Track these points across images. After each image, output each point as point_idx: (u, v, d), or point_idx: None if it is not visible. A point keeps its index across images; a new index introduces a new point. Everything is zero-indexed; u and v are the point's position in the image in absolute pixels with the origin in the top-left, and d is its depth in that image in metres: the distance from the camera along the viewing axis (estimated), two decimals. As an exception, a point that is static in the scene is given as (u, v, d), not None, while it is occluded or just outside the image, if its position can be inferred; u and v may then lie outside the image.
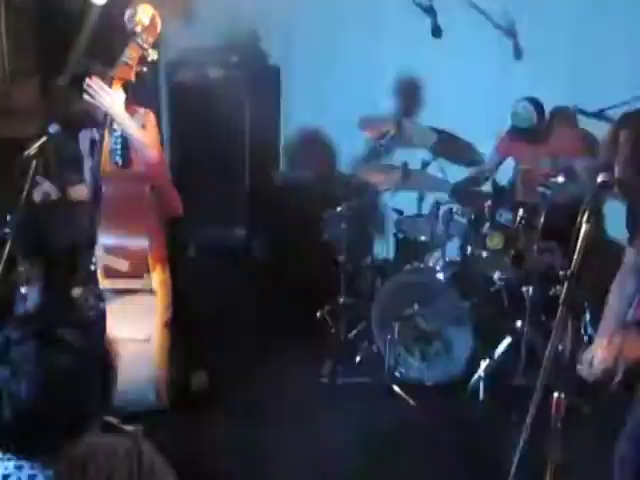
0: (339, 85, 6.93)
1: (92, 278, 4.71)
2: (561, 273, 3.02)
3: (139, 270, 4.70)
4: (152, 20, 4.60)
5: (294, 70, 7.19)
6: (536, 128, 5.78)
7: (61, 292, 4.98)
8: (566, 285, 3.01)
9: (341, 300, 5.97)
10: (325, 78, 6.98)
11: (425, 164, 6.07)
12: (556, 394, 3.01)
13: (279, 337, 5.81)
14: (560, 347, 3.24)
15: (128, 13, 4.59)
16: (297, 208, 6.64)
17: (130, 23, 4.58)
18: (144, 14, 4.57)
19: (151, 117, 4.85)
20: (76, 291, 4.77)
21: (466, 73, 6.41)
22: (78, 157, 5.23)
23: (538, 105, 5.75)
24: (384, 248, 6.67)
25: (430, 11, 6.20)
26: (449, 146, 6.10)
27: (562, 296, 3.01)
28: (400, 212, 6.23)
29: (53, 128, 4.73)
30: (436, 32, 6.24)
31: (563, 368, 3.06)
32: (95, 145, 4.88)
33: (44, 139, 4.70)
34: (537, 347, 5.16)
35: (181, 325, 5.00)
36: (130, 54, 4.60)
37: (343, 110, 6.72)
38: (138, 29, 4.57)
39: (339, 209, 5.89)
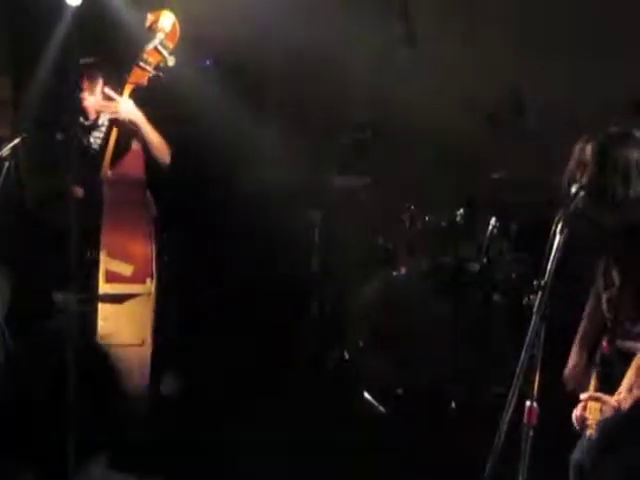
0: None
1: (78, 283, 4.65)
2: (535, 283, 3.04)
3: (143, 275, 4.68)
4: (173, 26, 4.59)
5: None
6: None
7: (38, 296, 4.93)
8: (539, 295, 3.02)
9: (313, 308, 5.97)
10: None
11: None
12: (528, 402, 3.03)
13: (250, 342, 5.80)
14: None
15: (149, 18, 4.57)
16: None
17: (150, 28, 4.56)
18: (166, 20, 4.56)
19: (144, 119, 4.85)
20: (57, 296, 4.71)
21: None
22: (52, 159, 5.18)
23: None
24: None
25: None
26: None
27: (535, 306, 3.03)
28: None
29: (27, 129, 4.68)
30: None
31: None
32: (85, 147, 4.85)
33: (17, 140, 4.65)
34: (510, 356, 5.18)
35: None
36: (147, 59, 4.57)
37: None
38: (159, 35, 4.55)
39: (315, 214, 5.89)
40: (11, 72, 6.53)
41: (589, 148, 3.31)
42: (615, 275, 3.39)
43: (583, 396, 3.35)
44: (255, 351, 5.78)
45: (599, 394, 3.29)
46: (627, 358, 3.34)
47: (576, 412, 3.32)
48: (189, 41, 4.88)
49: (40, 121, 5.23)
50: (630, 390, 3.24)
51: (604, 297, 3.45)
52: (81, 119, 4.92)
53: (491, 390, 5.19)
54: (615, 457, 3.34)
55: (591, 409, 3.24)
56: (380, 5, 6.62)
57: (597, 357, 3.50)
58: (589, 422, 3.24)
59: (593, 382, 3.45)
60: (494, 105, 6.08)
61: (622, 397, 3.23)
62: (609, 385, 3.35)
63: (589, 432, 3.23)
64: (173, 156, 5.00)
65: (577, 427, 3.34)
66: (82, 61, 4.73)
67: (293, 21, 6.51)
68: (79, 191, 4.96)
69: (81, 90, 4.86)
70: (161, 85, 4.79)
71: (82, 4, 4.97)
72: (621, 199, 3.25)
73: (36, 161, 5.34)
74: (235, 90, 6.38)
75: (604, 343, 3.46)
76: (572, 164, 3.39)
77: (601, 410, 3.21)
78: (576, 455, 3.45)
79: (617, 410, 3.20)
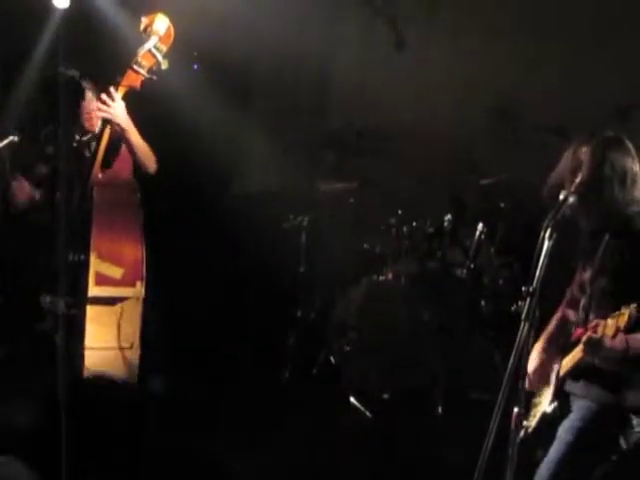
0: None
1: (66, 285, 4.63)
2: (523, 289, 3.04)
3: (133, 278, 4.65)
4: (167, 29, 4.57)
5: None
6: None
7: (22, 299, 4.90)
8: (528, 301, 3.03)
9: (299, 312, 5.98)
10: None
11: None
12: (516, 409, 3.03)
13: (236, 346, 5.80)
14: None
15: (144, 21, 4.55)
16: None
17: (145, 31, 4.54)
18: (160, 23, 4.54)
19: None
20: (45, 299, 4.68)
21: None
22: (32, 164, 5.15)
23: None
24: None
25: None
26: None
27: (524, 312, 3.03)
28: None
29: (13, 133, 4.66)
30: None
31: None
32: (75, 153, 4.83)
33: (5, 142, 4.63)
34: (497, 362, 5.20)
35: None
36: (142, 62, 4.54)
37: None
38: (154, 38, 4.53)
39: (301, 219, 5.89)
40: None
41: (584, 150, 3.31)
42: (594, 277, 3.40)
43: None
44: (240, 355, 5.78)
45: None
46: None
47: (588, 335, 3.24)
48: (176, 45, 4.86)
49: (26, 125, 5.20)
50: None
51: (583, 300, 3.45)
52: (79, 136, 4.89)
53: (478, 395, 5.20)
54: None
55: (608, 325, 3.14)
56: (368, 9, 6.64)
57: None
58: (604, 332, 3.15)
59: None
60: (483, 111, 6.09)
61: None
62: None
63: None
64: (159, 162, 4.97)
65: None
66: (70, 73, 4.70)
67: (280, 25, 6.51)
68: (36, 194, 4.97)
69: (78, 107, 4.84)
70: (148, 89, 4.76)
71: (70, 7, 4.98)
72: (614, 200, 3.26)
73: (21, 164, 5.32)
74: (222, 95, 6.38)
75: (579, 330, 3.45)
76: (560, 169, 3.40)
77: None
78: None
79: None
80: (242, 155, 7.31)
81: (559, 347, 3.50)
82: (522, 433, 3.25)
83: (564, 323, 3.58)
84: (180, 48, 4.77)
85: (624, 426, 3.25)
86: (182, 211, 6.65)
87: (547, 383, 3.47)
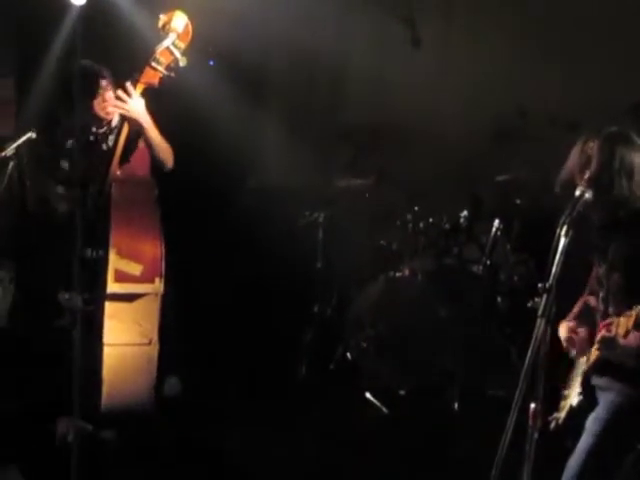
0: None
1: (83, 282, 4.64)
2: (540, 286, 3.04)
3: (152, 274, 4.66)
4: (186, 27, 4.58)
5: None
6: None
7: (40, 296, 4.93)
8: (544, 298, 3.03)
9: (316, 308, 5.99)
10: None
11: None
12: (533, 405, 3.03)
13: (253, 342, 5.82)
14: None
15: (162, 19, 4.56)
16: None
17: (163, 29, 4.55)
18: (179, 20, 4.55)
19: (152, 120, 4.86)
20: (64, 296, 4.71)
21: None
22: (54, 160, 5.18)
23: None
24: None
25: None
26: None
27: (540, 309, 3.03)
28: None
29: (32, 129, 4.69)
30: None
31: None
32: (93, 147, 4.85)
33: (22, 140, 4.65)
34: (513, 358, 5.20)
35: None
36: (160, 59, 4.55)
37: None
38: (172, 35, 4.54)
39: (318, 215, 5.90)
40: (15, 72, 6.54)
41: (592, 144, 3.32)
42: (602, 273, 3.41)
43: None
44: (257, 351, 5.79)
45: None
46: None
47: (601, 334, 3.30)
48: (192, 41, 4.87)
49: (45, 122, 5.23)
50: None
51: (600, 294, 3.46)
52: (95, 128, 4.92)
53: (494, 392, 5.20)
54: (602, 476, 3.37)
55: (620, 323, 3.19)
56: (384, 6, 6.63)
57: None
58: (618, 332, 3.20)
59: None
60: (498, 109, 6.08)
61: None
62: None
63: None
64: (175, 158, 4.99)
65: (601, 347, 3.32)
66: (85, 64, 4.71)
67: (296, 22, 6.52)
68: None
69: (94, 97, 4.86)
70: (165, 85, 4.78)
71: (88, 3, 4.99)
72: (624, 195, 3.27)
73: (40, 161, 5.35)
74: (237, 91, 6.39)
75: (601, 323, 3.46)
76: (570, 165, 3.40)
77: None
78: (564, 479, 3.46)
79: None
80: (258, 151, 7.33)
81: (586, 330, 3.52)
82: (553, 425, 3.36)
83: (588, 308, 3.59)
84: (196, 44, 4.79)
85: None
86: (199, 207, 6.67)
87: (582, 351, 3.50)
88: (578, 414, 3.42)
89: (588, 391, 3.42)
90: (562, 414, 3.46)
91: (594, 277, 3.54)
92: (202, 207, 6.71)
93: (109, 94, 4.84)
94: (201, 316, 5.80)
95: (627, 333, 3.15)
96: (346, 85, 6.99)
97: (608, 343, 3.26)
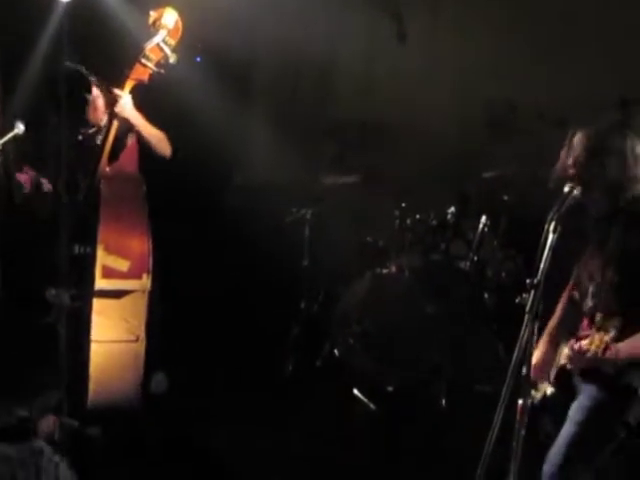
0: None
1: (71, 278, 4.63)
2: (528, 282, 3.05)
3: (139, 270, 4.65)
4: (176, 23, 4.56)
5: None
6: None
7: (25, 292, 4.91)
8: (532, 294, 3.03)
9: (303, 305, 5.99)
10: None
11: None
12: (520, 401, 3.04)
13: (239, 339, 5.82)
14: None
15: (152, 15, 4.54)
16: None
17: (153, 25, 4.53)
18: (169, 17, 4.53)
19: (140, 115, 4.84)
20: (50, 292, 4.69)
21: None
22: (42, 155, 5.17)
23: None
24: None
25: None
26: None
27: (528, 305, 3.04)
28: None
29: (18, 125, 4.67)
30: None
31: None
32: (81, 145, 4.83)
33: (10, 135, 4.63)
34: (500, 354, 5.21)
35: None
36: (150, 55, 4.53)
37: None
38: (162, 32, 4.52)
39: (305, 212, 5.89)
40: (0, 70, 6.50)
41: (583, 137, 3.34)
42: (596, 267, 3.41)
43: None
44: (244, 347, 5.79)
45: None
46: None
47: (574, 347, 3.30)
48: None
49: (31, 120, 5.20)
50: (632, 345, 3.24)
51: (590, 289, 3.46)
52: (84, 129, 4.91)
53: (481, 388, 5.21)
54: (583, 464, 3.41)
55: (595, 340, 3.19)
56: (372, 1, 6.64)
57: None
58: (593, 350, 3.19)
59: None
60: (485, 104, 6.09)
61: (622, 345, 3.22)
62: None
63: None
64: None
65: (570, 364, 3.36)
66: (75, 67, 4.70)
67: (284, 18, 6.52)
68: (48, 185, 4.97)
69: (85, 103, 4.85)
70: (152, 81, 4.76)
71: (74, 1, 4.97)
72: (618, 182, 3.28)
73: (26, 156, 5.33)
74: (225, 87, 6.38)
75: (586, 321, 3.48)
76: (563, 160, 3.39)
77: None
78: (547, 467, 3.48)
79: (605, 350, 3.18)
80: (245, 148, 7.33)
81: (568, 331, 3.54)
82: (528, 403, 3.27)
83: (572, 306, 3.61)
84: (184, 41, 4.78)
85: (631, 403, 3.29)
86: (186, 204, 6.66)
87: (548, 377, 3.52)
88: (553, 404, 3.46)
89: (563, 385, 3.47)
90: (538, 396, 3.51)
91: (586, 270, 3.53)
92: (189, 204, 6.70)
93: (100, 101, 4.85)
94: (188, 313, 5.78)
95: (606, 348, 3.16)
96: (333, 81, 6.99)
97: (576, 358, 3.30)
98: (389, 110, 6.78)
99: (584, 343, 3.25)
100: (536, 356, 3.53)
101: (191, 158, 6.70)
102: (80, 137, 4.92)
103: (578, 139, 3.35)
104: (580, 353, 3.26)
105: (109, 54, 5.20)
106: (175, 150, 4.97)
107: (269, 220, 6.34)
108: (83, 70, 4.85)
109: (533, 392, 3.50)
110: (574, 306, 3.60)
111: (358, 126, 6.26)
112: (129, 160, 4.83)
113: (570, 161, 3.35)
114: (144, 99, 4.86)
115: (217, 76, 6.59)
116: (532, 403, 3.44)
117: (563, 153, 3.41)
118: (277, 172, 7.07)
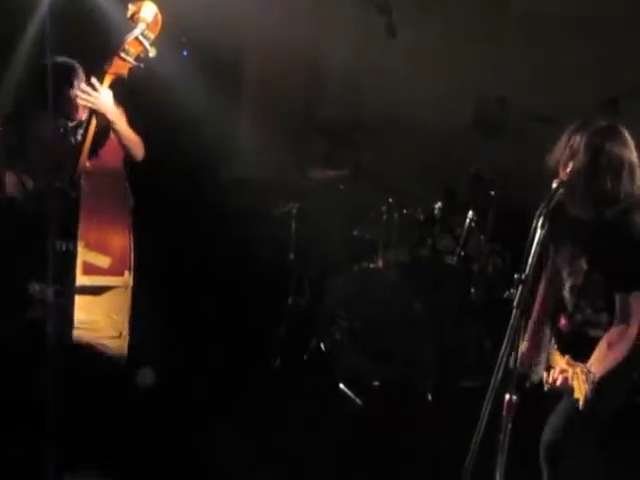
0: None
1: (54, 274, 4.60)
2: (515, 276, 3.05)
3: (121, 267, 4.62)
4: (155, 17, 4.51)
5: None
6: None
7: (12, 288, 4.88)
8: (520, 289, 3.03)
9: (290, 300, 5.98)
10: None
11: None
12: (507, 395, 3.05)
13: (226, 333, 5.81)
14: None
15: (131, 8, 4.50)
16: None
17: (132, 19, 4.49)
18: (148, 10, 4.49)
19: (122, 111, 4.80)
20: (34, 287, 4.66)
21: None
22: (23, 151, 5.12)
23: None
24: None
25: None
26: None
27: (516, 299, 3.04)
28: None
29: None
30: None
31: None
32: (62, 139, 4.80)
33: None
34: (487, 349, 5.22)
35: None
36: (128, 49, 4.49)
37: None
38: (141, 25, 4.48)
39: (291, 206, 5.89)
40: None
41: (578, 138, 3.27)
42: (583, 264, 3.40)
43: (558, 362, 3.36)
44: (231, 342, 5.79)
45: (572, 362, 3.24)
46: (585, 342, 3.38)
47: (554, 375, 3.26)
48: (166, 31, 4.83)
49: (13, 112, 5.17)
50: (602, 361, 3.26)
51: (568, 282, 3.47)
52: (67, 122, 4.87)
53: (468, 383, 5.22)
54: (588, 431, 3.43)
55: (578, 377, 3.16)
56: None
57: (552, 333, 3.56)
58: (578, 391, 3.16)
59: (555, 353, 3.48)
60: (475, 101, 6.11)
61: (594, 366, 3.22)
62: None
63: (578, 399, 3.15)
64: (148, 149, 4.94)
65: (550, 386, 3.32)
66: (58, 60, 4.66)
67: (272, 12, 6.51)
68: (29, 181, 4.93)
69: (65, 92, 4.80)
70: (138, 76, 4.73)
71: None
72: (609, 194, 3.24)
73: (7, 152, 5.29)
74: (212, 81, 6.37)
75: (562, 320, 3.50)
76: (556, 154, 3.36)
77: (586, 378, 3.15)
78: (546, 436, 3.49)
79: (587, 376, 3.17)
80: (232, 142, 7.31)
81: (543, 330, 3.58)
82: (527, 384, 3.41)
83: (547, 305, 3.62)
84: (170, 34, 4.76)
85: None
86: (171, 199, 6.64)
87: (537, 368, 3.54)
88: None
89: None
90: (536, 378, 3.50)
91: (567, 268, 3.52)
92: (175, 198, 6.68)
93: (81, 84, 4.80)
94: (174, 308, 5.78)
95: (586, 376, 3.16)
96: (322, 76, 6.98)
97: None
98: (378, 106, 6.79)
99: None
100: (525, 343, 3.57)
101: (178, 152, 6.70)
102: (62, 130, 4.88)
103: (575, 142, 3.27)
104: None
105: (90, 48, 5.15)
106: (147, 156, 4.92)
107: (256, 215, 6.33)
108: (67, 62, 4.81)
109: (532, 375, 3.52)
110: (554, 291, 3.60)
111: (346, 121, 6.24)
112: (113, 155, 4.77)
113: (567, 166, 3.28)
114: (131, 93, 4.84)
115: (204, 70, 6.58)
116: (532, 384, 3.48)
117: (557, 148, 3.36)
118: (264, 167, 7.05)
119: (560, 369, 3.24)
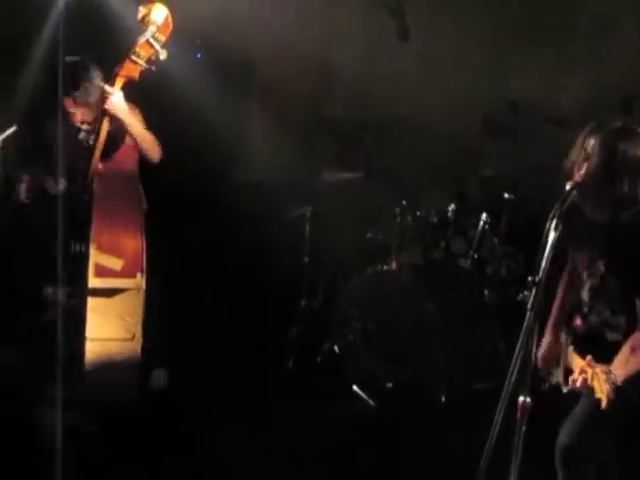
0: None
1: (67, 277, 4.61)
2: (529, 279, 3.03)
3: (133, 269, 4.64)
4: (165, 19, 4.52)
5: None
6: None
7: (26, 290, 4.90)
8: (533, 291, 3.02)
9: (303, 302, 5.98)
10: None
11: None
12: (521, 398, 3.03)
13: (239, 336, 5.81)
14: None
15: (141, 11, 4.51)
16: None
17: (143, 21, 4.50)
18: (158, 13, 4.50)
19: (138, 112, 4.82)
20: (48, 290, 4.68)
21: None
22: (39, 153, 5.14)
23: None
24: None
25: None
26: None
27: (530, 302, 3.03)
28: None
29: (15, 122, 4.67)
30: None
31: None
32: (76, 142, 4.82)
33: (10, 131, 4.62)
34: (500, 351, 5.21)
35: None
36: (140, 52, 4.50)
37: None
38: (152, 28, 4.49)
39: (305, 209, 5.89)
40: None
41: (592, 141, 3.24)
42: (601, 266, 3.39)
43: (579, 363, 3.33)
44: (244, 345, 5.79)
45: (593, 363, 3.22)
46: (602, 344, 3.38)
47: (574, 376, 3.27)
48: (179, 33, 4.84)
49: (28, 115, 5.19)
50: (624, 365, 3.24)
51: (587, 284, 3.46)
52: (81, 125, 4.89)
53: (481, 385, 5.21)
54: (605, 433, 3.44)
55: (599, 377, 3.14)
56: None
57: (568, 333, 3.56)
58: (599, 391, 3.14)
59: (573, 354, 3.47)
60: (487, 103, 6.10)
61: (617, 370, 3.19)
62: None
63: (602, 399, 3.12)
64: (161, 151, 4.96)
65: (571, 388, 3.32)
66: (70, 60, 4.68)
67: (283, 14, 6.50)
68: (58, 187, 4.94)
69: (76, 91, 4.81)
70: (151, 78, 4.74)
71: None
72: (625, 196, 3.22)
73: (24, 154, 5.31)
74: (224, 84, 6.37)
75: (577, 320, 3.49)
76: (574, 153, 3.33)
77: (607, 378, 3.13)
78: (562, 441, 3.48)
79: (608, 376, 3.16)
80: (245, 144, 7.31)
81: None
82: (545, 386, 3.45)
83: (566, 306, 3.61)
84: (183, 37, 4.77)
85: None
86: (185, 201, 6.65)
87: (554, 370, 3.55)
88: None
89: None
90: (554, 379, 3.54)
91: (585, 270, 3.51)
92: (187, 201, 6.69)
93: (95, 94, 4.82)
94: (187, 310, 5.79)
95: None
96: (334, 78, 6.98)
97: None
98: (390, 108, 6.77)
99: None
100: (544, 345, 3.60)
101: (190, 155, 6.70)
102: (75, 132, 4.90)
103: (590, 144, 3.25)
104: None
105: (104, 50, 5.17)
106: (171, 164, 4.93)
107: (269, 217, 6.33)
108: (82, 63, 4.82)
109: (550, 377, 3.55)
110: (573, 292, 3.60)
111: (359, 123, 6.23)
112: (128, 158, 4.80)
113: (581, 168, 3.25)
114: (143, 95, 4.85)
115: (217, 72, 6.59)
116: (549, 386, 3.52)
117: (573, 152, 3.33)
118: (277, 169, 7.05)
119: (580, 369, 3.23)
